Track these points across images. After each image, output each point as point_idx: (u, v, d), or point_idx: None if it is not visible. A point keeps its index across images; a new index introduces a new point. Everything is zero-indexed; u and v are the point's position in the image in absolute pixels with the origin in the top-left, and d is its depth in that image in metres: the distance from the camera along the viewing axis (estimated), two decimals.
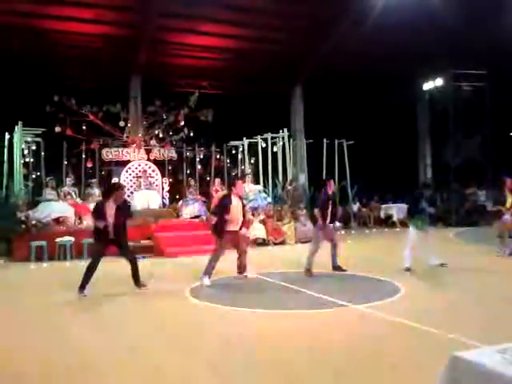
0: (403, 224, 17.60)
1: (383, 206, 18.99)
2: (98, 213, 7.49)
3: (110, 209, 7.40)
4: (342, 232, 14.99)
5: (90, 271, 7.38)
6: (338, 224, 13.71)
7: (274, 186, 16.13)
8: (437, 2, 13.24)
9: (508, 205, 10.50)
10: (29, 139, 14.26)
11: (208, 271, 8.03)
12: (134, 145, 15.36)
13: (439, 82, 18.92)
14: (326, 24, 15.54)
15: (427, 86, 19.60)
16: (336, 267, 8.87)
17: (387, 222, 18.60)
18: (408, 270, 8.77)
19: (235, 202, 8.19)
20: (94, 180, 14.84)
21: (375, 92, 18.99)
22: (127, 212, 7.82)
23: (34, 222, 12.02)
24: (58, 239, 11.67)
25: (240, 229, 8.30)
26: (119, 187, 7.88)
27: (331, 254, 8.96)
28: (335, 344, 4.89)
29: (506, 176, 10.76)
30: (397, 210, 18.14)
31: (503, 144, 20.96)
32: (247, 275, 8.41)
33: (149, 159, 15.53)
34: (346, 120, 18.72)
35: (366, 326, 5.56)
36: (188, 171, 16.95)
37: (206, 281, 7.97)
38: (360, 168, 18.27)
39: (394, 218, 18.19)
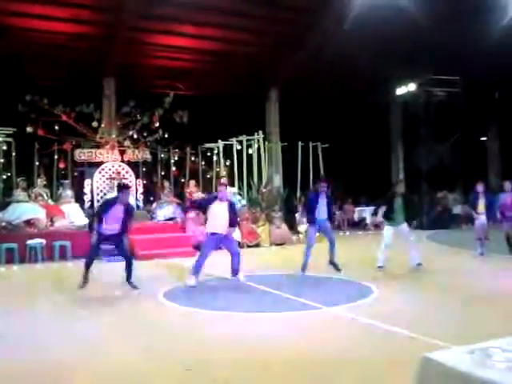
0: (376, 227, 17.85)
1: (357, 208, 19.18)
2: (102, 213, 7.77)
3: (117, 210, 7.66)
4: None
5: (87, 267, 7.60)
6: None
7: (249, 188, 16.14)
8: (411, 9, 13.45)
9: (479, 208, 10.79)
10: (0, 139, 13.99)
11: (194, 271, 8.08)
12: (108, 146, 15.19)
13: (412, 87, 19.21)
14: (302, 28, 15.64)
15: (400, 90, 19.86)
16: (332, 263, 8.97)
17: (360, 224, 18.80)
18: (380, 268, 8.99)
19: (218, 207, 8.20)
20: (66, 181, 14.61)
21: (350, 96, 19.19)
22: (131, 214, 8.07)
23: (3, 224, 11.79)
24: (28, 241, 11.45)
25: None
26: (127, 186, 8.28)
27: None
28: (307, 346, 4.92)
29: (478, 180, 11.10)
30: (370, 213, 18.35)
31: (474, 149, 21.42)
32: (239, 278, 8.33)
33: (122, 160, 15.37)
34: (321, 123, 18.87)
35: (338, 327, 5.61)
36: (162, 173, 16.83)
37: (191, 281, 8.01)
38: (334, 171, 18.43)
39: (368, 221, 18.40)
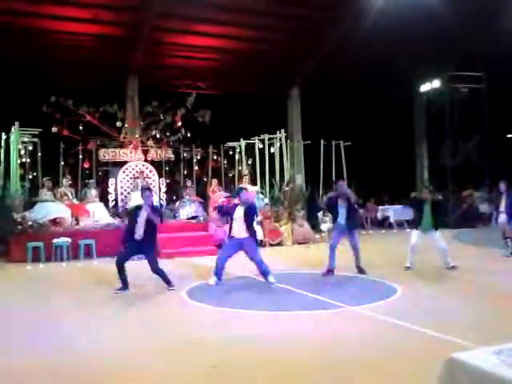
0: (400, 225, 17.66)
1: (380, 207, 19.00)
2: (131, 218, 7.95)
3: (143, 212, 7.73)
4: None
5: (120, 271, 7.66)
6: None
7: (271, 187, 16.13)
8: (434, 4, 13.26)
9: (500, 207, 10.65)
10: (25, 139, 14.23)
11: (215, 271, 8.16)
12: (131, 145, 15.32)
13: (436, 83, 18.97)
14: (323, 26, 15.54)
15: (424, 87, 19.63)
16: (357, 267, 8.89)
17: (384, 223, 18.62)
18: (407, 268, 8.93)
19: (237, 211, 8.28)
20: (91, 181, 14.80)
21: (372, 93, 19.01)
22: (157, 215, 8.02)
23: (30, 223, 11.98)
24: (54, 240, 11.62)
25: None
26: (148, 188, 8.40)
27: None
28: (329, 345, 4.89)
29: (501, 179, 10.94)
30: (394, 212, 18.16)
31: (500, 146, 21.02)
32: (269, 281, 8.18)
33: (146, 160, 15.48)
34: (343, 121, 18.74)
35: (360, 327, 5.56)
36: (185, 172, 16.93)
37: (211, 280, 8.11)
38: (357, 169, 18.28)
39: (391, 220, 18.21)
